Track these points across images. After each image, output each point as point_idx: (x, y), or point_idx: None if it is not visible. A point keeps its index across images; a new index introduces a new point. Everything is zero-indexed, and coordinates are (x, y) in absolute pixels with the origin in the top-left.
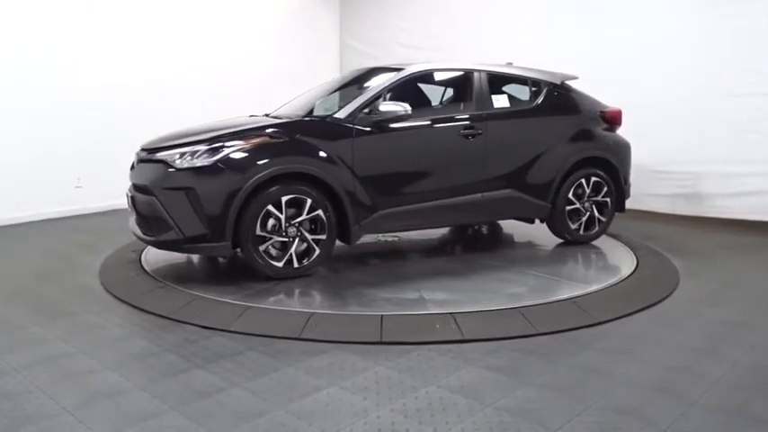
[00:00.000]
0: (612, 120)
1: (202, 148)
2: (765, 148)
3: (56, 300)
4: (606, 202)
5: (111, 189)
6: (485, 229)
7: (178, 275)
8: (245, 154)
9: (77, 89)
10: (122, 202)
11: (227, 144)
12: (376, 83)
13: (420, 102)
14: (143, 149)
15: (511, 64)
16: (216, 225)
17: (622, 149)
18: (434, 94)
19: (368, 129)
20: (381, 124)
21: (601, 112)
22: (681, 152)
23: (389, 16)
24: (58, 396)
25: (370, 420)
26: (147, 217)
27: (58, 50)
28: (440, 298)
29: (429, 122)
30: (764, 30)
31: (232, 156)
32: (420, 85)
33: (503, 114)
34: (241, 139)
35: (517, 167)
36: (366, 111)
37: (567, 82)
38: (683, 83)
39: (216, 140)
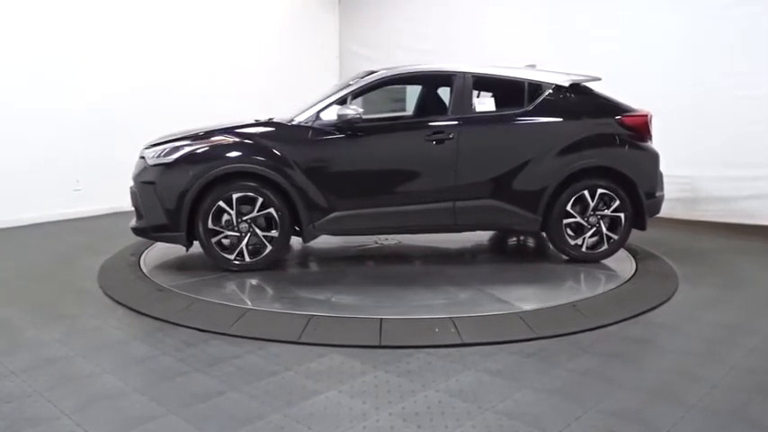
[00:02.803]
0: (634, 126)
1: (169, 147)
2: (764, 152)
3: (54, 302)
4: (619, 217)
5: (111, 192)
6: (531, 242)
7: (177, 278)
8: (200, 154)
9: (78, 92)
10: (123, 204)
11: (187, 144)
12: (349, 87)
13: (399, 106)
14: (144, 147)
15: (534, 66)
16: (173, 216)
17: (643, 160)
18: (422, 97)
19: (325, 132)
20: (340, 127)
21: (618, 117)
22: (679, 156)
23: (389, 20)
24: (56, 399)
25: (369, 424)
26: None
27: (59, 54)
28: (345, 302)
29: (392, 126)
30: (763, 33)
31: (188, 155)
32: (404, 88)
33: (482, 119)
34: (202, 140)
35: (498, 176)
36: (330, 114)
37: (586, 84)
38: (682, 87)
39: (184, 140)
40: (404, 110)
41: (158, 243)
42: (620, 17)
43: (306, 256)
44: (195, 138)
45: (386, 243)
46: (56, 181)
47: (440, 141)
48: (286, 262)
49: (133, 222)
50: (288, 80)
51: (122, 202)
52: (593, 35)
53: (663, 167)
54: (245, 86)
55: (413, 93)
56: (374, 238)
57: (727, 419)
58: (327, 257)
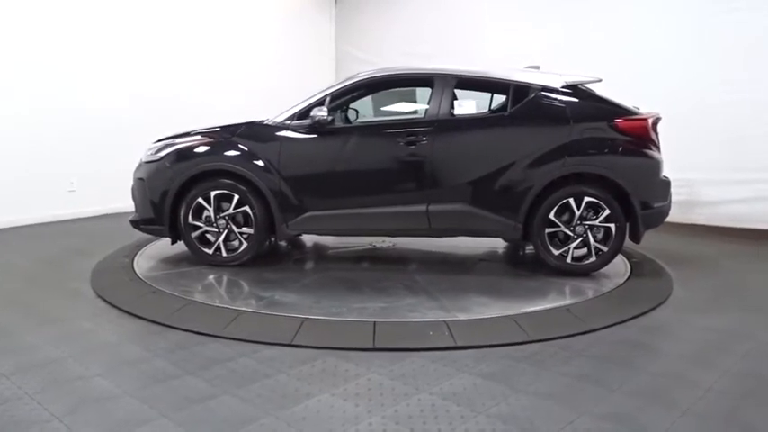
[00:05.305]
0: (631, 131)
1: (159, 145)
2: (758, 157)
3: (46, 304)
4: (609, 228)
5: (105, 193)
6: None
7: (170, 280)
8: (180, 153)
9: (72, 92)
10: (117, 205)
11: (171, 144)
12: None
13: (380, 107)
14: None
15: (538, 67)
16: (157, 211)
17: (639, 168)
18: (409, 98)
19: (299, 132)
20: (314, 129)
21: (613, 121)
22: (674, 159)
23: (385, 23)
24: (46, 402)
25: (361, 428)
26: None
27: (53, 54)
28: (287, 300)
29: (363, 128)
30: (762, 39)
31: (169, 154)
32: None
33: (458, 122)
34: (184, 140)
35: (472, 180)
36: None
37: (586, 86)
38: (680, 90)
39: (170, 139)
40: (416, 112)
41: (151, 244)
42: (620, 21)
43: (291, 253)
44: (179, 137)
45: (380, 246)
46: (50, 182)
47: (412, 144)
48: (264, 258)
49: (132, 215)
50: (285, 82)
51: (117, 203)
52: (593, 38)
53: None
54: (241, 89)
55: (424, 95)
56: (369, 239)
57: (720, 424)
58: (312, 257)
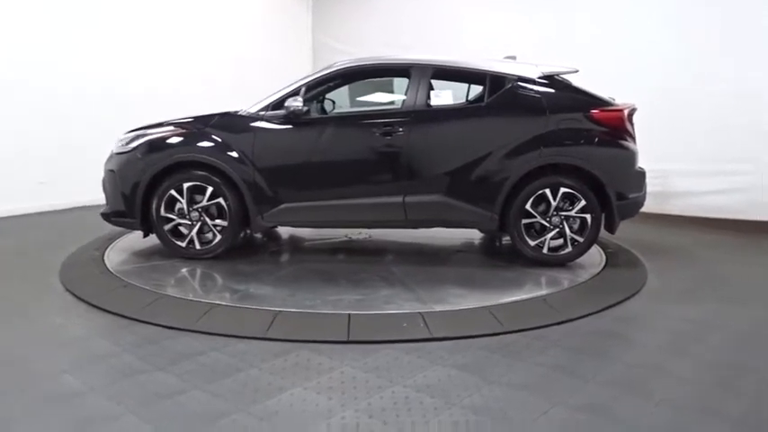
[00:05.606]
0: (606, 122)
1: (130, 136)
2: (734, 148)
3: (14, 298)
4: (585, 219)
5: (76, 186)
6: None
7: (142, 274)
8: (155, 143)
9: (43, 83)
10: (88, 198)
11: (144, 134)
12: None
13: (357, 97)
14: None
15: (514, 58)
16: (129, 203)
17: (614, 158)
18: (386, 89)
19: (273, 123)
20: (289, 119)
21: (589, 112)
22: (649, 150)
23: (362, 13)
24: (10, 400)
25: (334, 421)
26: None
27: (31, 49)
28: (261, 293)
29: (338, 119)
30: (736, 29)
31: (143, 144)
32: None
33: (434, 112)
34: (156, 131)
35: (448, 171)
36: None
37: (562, 77)
38: (654, 81)
39: (141, 130)
40: (392, 102)
41: (123, 237)
42: (602, 11)
43: (266, 245)
44: (151, 128)
45: (356, 238)
46: (19, 173)
47: (388, 135)
48: (239, 251)
49: (103, 208)
50: (261, 73)
51: (88, 196)
52: (573, 29)
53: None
54: (215, 79)
55: (401, 85)
56: (345, 231)
57: (695, 413)
58: (287, 249)
